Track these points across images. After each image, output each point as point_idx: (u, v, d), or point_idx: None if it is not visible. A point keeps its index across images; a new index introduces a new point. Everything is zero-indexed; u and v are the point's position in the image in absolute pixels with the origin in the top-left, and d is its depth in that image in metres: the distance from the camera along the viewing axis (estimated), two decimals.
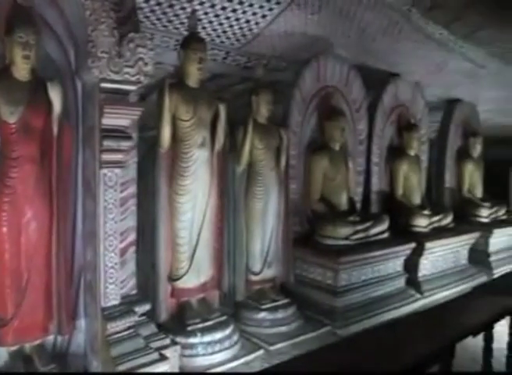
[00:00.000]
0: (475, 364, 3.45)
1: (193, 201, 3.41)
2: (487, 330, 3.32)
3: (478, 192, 6.96)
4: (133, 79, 2.71)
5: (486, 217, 6.54)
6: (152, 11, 3.69)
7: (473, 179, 6.88)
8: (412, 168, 5.69)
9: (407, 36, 4.65)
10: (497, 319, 3.36)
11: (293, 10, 3.98)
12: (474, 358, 3.50)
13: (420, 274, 5.14)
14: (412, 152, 5.72)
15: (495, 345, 3.43)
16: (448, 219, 5.76)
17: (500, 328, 3.25)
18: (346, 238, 4.50)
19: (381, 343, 2.85)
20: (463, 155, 6.85)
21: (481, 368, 3.37)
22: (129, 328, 2.81)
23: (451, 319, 3.23)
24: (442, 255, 5.42)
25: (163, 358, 2.82)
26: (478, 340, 3.29)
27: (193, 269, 3.46)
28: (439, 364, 2.79)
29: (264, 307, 3.93)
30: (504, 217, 6.96)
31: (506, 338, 3.53)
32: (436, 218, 5.61)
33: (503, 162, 7.92)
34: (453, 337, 2.91)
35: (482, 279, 5.58)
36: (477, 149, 6.88)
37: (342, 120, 4.85)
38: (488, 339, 3.38)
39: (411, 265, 5.02)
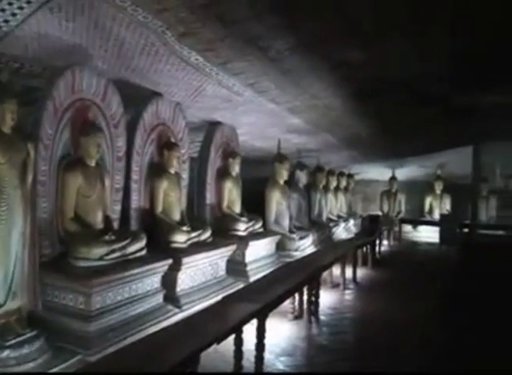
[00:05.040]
0: (228, 365, 3.70)
1: None
2: (236, 333, 3.59)
3: (237, 208, 7.49)
4: None
5: (244, 230, 7.07)
6: None
7: (232, 196, 7.38)
8: (172, 185, 5.80)
9: (164, 58, 4.77)
10: (244, 323, 3.66)
11: (45, 13, 3.72)
12: (226, 360, 3.75)
13: (178, 289, 5.23)
14: (172, 170, 5.84)
15: (246, 347, 3.73)
16: (207, 234, 6.03)
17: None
18: (101, 259, 4.31)
19: (131, 358, 2.85)
20: (223, 173, 7.30)
21: (233, 368, 3.63)
22: None
23: (200, 327, 3.40)
24: (201, 269, 5.63)
25: None
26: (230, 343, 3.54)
27: None
28: (187, 370, 2.93)
29: (7, 344, 3.47)
30: (261, 230, 7.66)
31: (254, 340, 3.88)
32: (195, 233, 5.81)
33: (259, 180, 8.68)
34: (200, 344, 3.07)
35: (240, 287, 6.00)
36: (235, 168, 7.42)
37: (98, 136, 4.66)
38: (238, 342, 3.64)
39: (169, 281, 5.09)
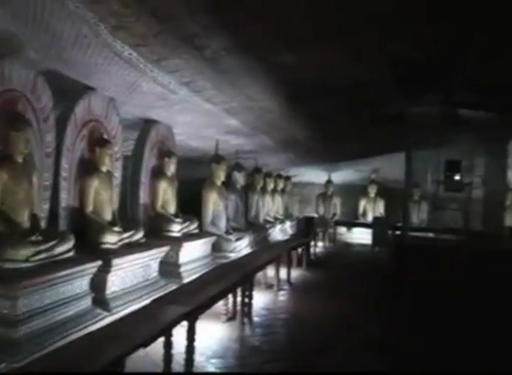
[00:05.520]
0: (158, 368, 3.60)
1: None
2: (165, 336, 3.51)
3: (172, 208, 7.35)
4: None
5: (178, 231, 6.96)
6: None
7: (167, 196, 7.24)
8: (104, 184, 5.59)
9: (97, 51, 4.60)
10: (173, 326, 3.58)
11: None
12: (157, 364, 3.65)
13: (108, 291, 5.06)
14: (104, 168, 5.64)
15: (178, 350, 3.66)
16: (139, 235, 5.89)
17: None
18: (27, 260, 4.08)
19: (53, 365, 2.71)
20: (157, 173, 7.15)
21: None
22: None
23: (127, 331, 3.29)
24: (132, 271, 5.48)
25: None
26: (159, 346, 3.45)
27: None
28: None
29: None
30: (196, 231, 7.57)
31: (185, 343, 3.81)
32: (127, 234, 5.66)
33: (197, 181, 8.60)
34: (126, 348, 2.96)
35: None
36: (171, 168, 7.29)
37: (28, 130, 4.41)
38: (168, 345, 3.56)
39: (99, 283, 4.91)
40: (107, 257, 4.97)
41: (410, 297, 6.00)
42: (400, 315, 5.78)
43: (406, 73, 6.28)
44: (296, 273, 8.44)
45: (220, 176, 8.43)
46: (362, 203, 14.87)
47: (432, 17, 4.76)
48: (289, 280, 7.80)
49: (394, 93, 7.20)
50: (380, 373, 4.16)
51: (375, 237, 12.27)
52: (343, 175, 14.90)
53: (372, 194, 14.75)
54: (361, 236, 13.40)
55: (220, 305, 5.18)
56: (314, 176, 15.01)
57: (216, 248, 7.98)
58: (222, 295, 4.82)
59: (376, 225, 12.53)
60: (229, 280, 5.00)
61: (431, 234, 11.88)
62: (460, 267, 6.38)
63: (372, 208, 14.66)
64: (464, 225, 11.29)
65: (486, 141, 10.40)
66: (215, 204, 8.34)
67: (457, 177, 12.34)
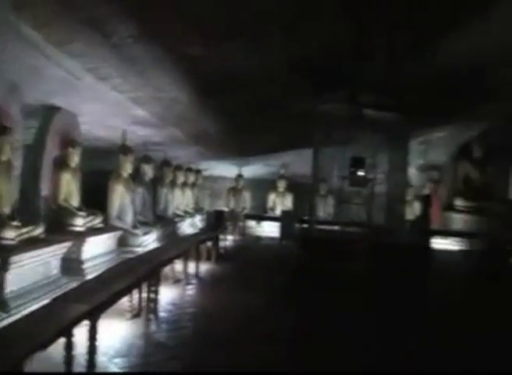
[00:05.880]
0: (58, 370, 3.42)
1: None
2: (65, 337, 3.34)
3: (75, 201, 7.02)
4: None
5: (81, 226, 6.67)
6: None
7: (70, 188, 6.89)
8: (2, 174, 5.20)
9: None
10: (73, 326, 3.42)
11: None
12: (58, 367, 3.45)
13: (6, 291, 4.72)
14: (4, 157, 5.23)
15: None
16: (39, 230, 5.57)
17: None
18: None
19: None
20: (60, 163, 6.78)
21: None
22: None
23: (24, 333, 3.10)
24: (32, 268, 5.18)
25: None
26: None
27: None
28: None
29: None
30: (100, 225, 7.29)
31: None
32: (26, 229, 5.32)
33: (102, 173, 8.28)
34: (22, 351, 2.78)
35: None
36: (75, 159, 6.94)
37: None
38: (68, 346, 3.39)
39: None
40: (4, 254, 4.64)
41: (315, 288, 6.22)
42: (305, 306, 5.97)
43: (313, 71, 6.46)
44: (205, 267, 8.42)
45: (127, 168, 8.19)
46: (271, 197, 15.15)
47: (337, 17, 4.93)
48: (197, 275, 7.77)
49: (302, 90, 7.37)
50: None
51: (283, 230, 12.56)
52: (253, 169, 15.08)
53: (281, 189, 15.07)
54: (270, 229, 13.64)
55: (125, 302, 5.03)
56: (225, 170, 15.04)
57: (122, 242, 7.75)
58: (127, 291, 4.69)
59: (284, 218, 12.82)
60: (134, 275, 4.87)
61: (336, 227, 12.36)
62: (362, 258, 6.70)
63: (281, 202, 14.98)
64: (368, 219, 11.83)
65: (389, 139, 10.96)
66: (121, 197, 8.09)
67: (362, 173, 12.91)
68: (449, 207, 14.82)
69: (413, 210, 14.16)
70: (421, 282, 6.23)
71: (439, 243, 9.45)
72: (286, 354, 4.56)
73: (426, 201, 8.43)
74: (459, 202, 14.65)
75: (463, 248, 12.43)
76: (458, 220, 14.30)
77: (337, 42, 5.75)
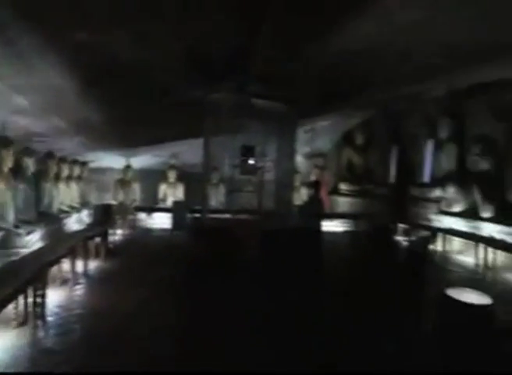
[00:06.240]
0: None
1: None
2: None
3: None
4: None
5: None
6: None
7: None
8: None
9: None
10: None
11: None
12: None
13: None
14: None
15: None
16: None
17: None
18: None
19: None
20: None
21: None
22: None
23: None
24: None
25: None
26: None
27: None
28: None
29: None
30: None
31: None
32: None
33: None
34: None
35: None
36: None
37: None
38: None
39: None
40: None
41: (206, 278, 6.26)
42: (194, 298, 5.99)
43: (201, 60, 6.42)
44: (94, 265, 8.08)
45: (7, 163, 7.52)
46: (162, 188, 14.89)
47: (220, 6, 4.93)
48: (86, 273, 7.43)
49: (192, 80, 7.30)
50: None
51: (174, 221, 12.44)
52: (141, 160, 14.68)
53: (172, 179, 14.86)
54: (162, 221, 13.44)
55: (9, 310, 4.67)
56: (113, 161, 14.47)
57: (4, 244, 7.15)
58: (10, 299, 4.35)
59: (175, 209, 12.70)
60: (18, 279, 4.53)
61: (228, 215, 12.51)
62: (255, 244, 6.84)
63: (172, 192, 14.78)
64: (258, 205, 12.09)
65: (277, 128, 11.28)
66: (1, 194, 7.45)
67: (252, 161, 13.15)
68: (335, 191, 15.70)
69: (300, 196, 14.77)
70: (316, 260, 6.52)
71: (326, 225, 9.93)
72: (170, 350, 4.53)
73: (316, 186, 8.78)
74: (343, 186, 15.57)
75: (348, 229, 13.25)
76: (343, 203, 15.22)
77: (222, 31, 5.75)
